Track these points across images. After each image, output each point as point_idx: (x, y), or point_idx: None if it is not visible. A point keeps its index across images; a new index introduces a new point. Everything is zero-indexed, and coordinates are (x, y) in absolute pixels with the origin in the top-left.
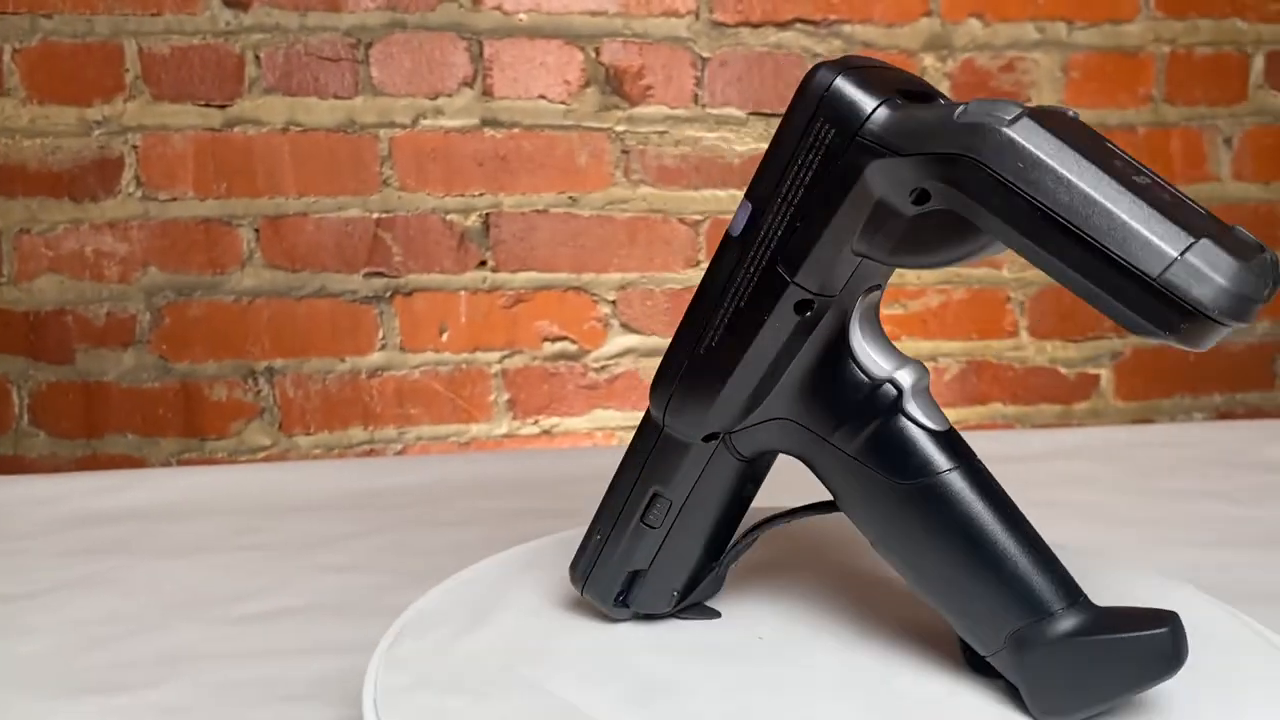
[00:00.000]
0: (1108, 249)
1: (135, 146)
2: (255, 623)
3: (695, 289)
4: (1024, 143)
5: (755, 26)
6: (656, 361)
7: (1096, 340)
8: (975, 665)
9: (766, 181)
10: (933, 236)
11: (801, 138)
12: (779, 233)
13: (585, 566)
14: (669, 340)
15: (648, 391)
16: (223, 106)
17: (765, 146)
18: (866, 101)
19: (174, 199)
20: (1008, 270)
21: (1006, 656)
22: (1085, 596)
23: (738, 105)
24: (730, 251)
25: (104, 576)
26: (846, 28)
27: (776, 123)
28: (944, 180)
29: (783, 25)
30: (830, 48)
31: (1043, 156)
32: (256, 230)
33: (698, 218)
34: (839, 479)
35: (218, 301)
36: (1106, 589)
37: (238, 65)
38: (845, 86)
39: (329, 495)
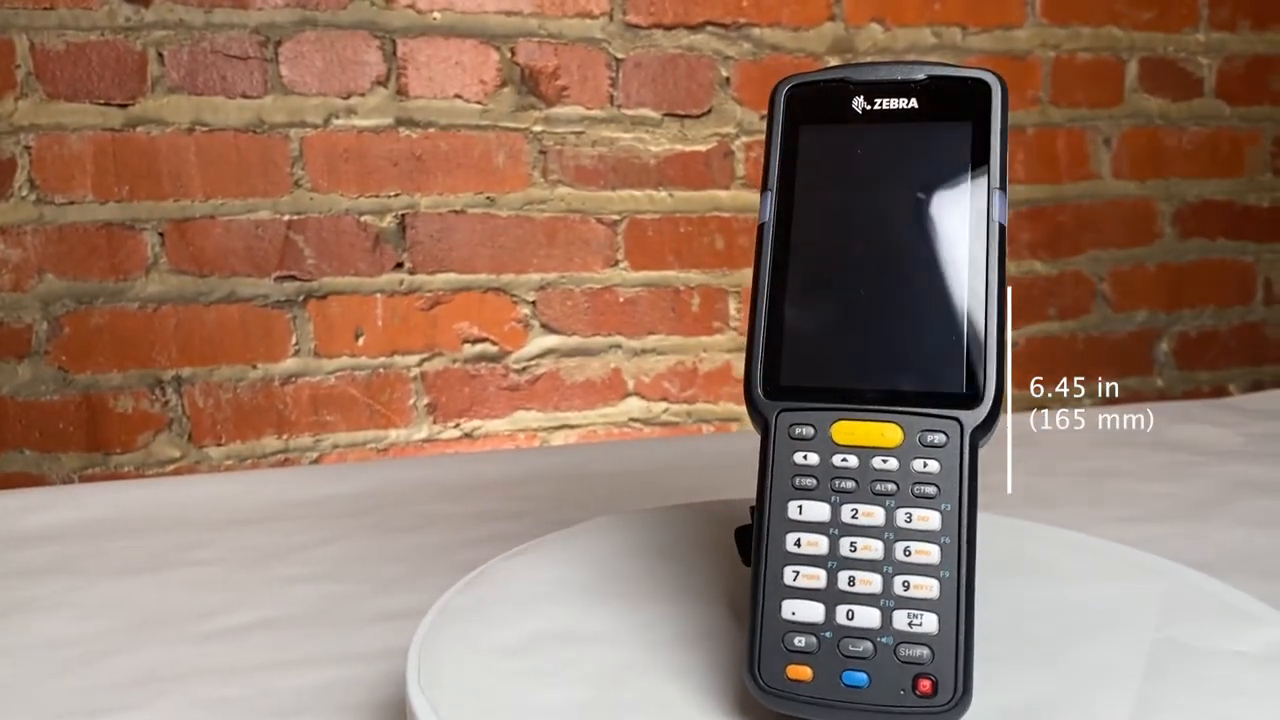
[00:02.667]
0: None
1: (28, 147)
2: (230, 638)
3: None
4: None
5: (668, 29)
6: (578, 362)
7: None
8: None
9: (1002, 171)
10: None
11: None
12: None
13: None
14: (590, 339)
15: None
16: (124, 106)
17: (680, 147)
18: None
19: (71, 202)
20: None
21: None
22: None
23: (652, 106)
24: (1002, 239)
25: (56, 598)
26: (755, 31)
27: (690, 124)
28: None
29: (694, 28)
30: (740, 50)
31: None
32: (161, 234)
33: (615, 218)
34: None
35: (121, 309)
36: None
37: (139, 63)
38: None
39: (272, 506)
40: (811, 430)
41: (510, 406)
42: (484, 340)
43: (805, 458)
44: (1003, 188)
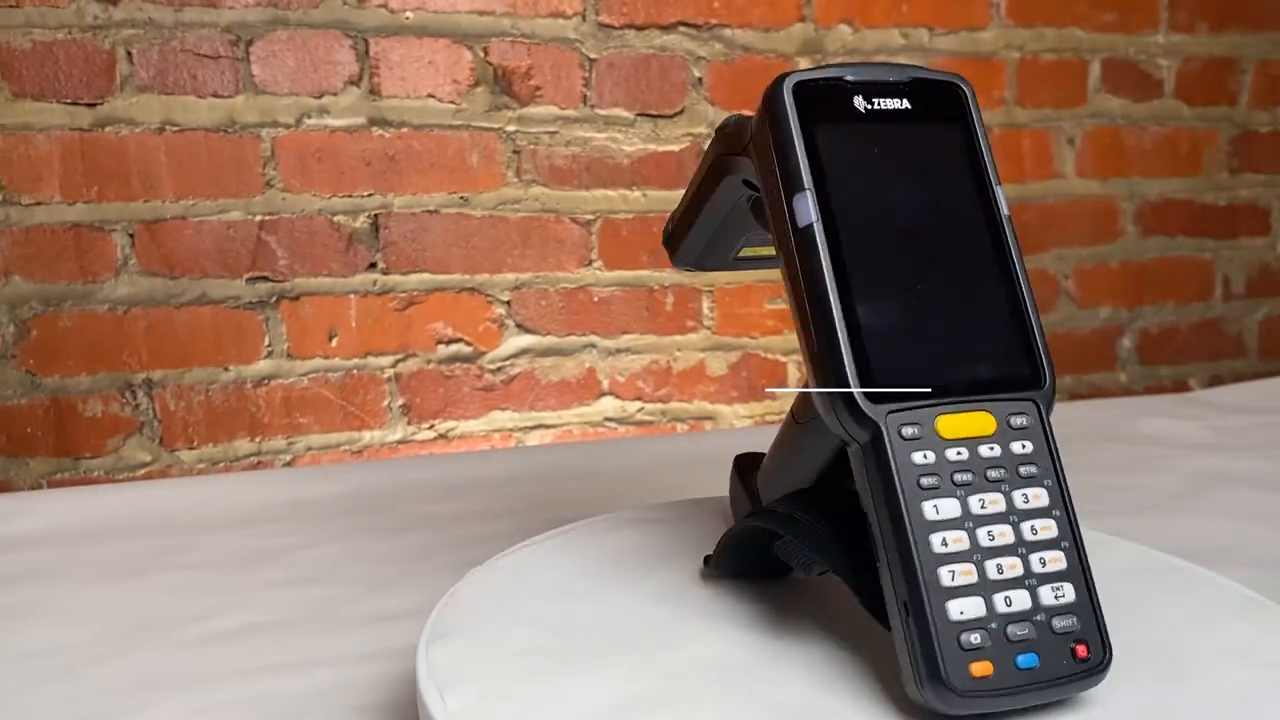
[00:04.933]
0: None
1: None
2: (223, 642)
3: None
4: None
5: (640, 29)
6: (553, 361)
7: None
8: None
9: (994, 167)
10: None
11: None
12: None
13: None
14: (565, 339)
15: (536, 393)
16: (92, 105)
17: (653, 147)
18: None
19: (39, 203)
20: None
21: None
22: None
23: (625, 106)
24: (1012, 229)
25: (38, 605)
26: (727, 31)
27: (663, 124)
28: None
29: (666, 28)
30: (712, 51)
31: None
32: (131, 235)
33: (590, 217)
34: None
35: (90, 312)
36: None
37: (108, 62)
38: None
39: (253, 509)
40: (918, 429)
41: (485, 407)
42: (458, 341)
43: (924, 456)
44: (999, 183)
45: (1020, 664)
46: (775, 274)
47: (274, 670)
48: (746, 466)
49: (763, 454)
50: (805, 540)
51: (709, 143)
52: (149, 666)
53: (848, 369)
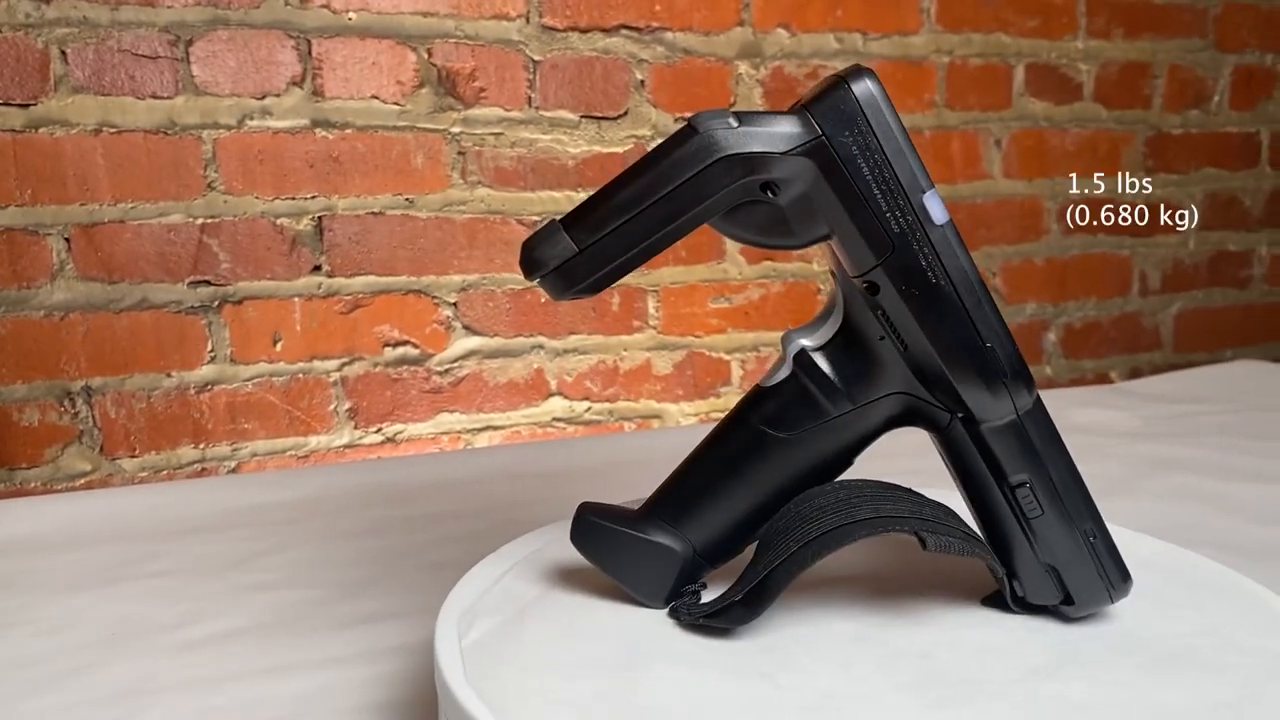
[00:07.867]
0: None
1: None
2: (205, 648)
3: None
4: None
5: (583, 31)
6: (501, 363)
7: None
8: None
9: None
10: None
11: None
12: None
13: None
14: (512, 340)
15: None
16: (25, 106)
17: (598, 149)
18: None
19: None
20: (817, 264)
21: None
22: None
23: (570, 108)
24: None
25: (9, 616)
26: (668, 35)
27: (607, 126)
28: None
29: (609, 31)
30: (654, 54)
31: None
32: (67, 240)
33: (536, 218)
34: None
35: (25, 318)
36: None
37: (41, 61)
38: None
39: (215, 515)
40: None
41: (433, 409)
42: (405, 343)
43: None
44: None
45: None
46: (720, 273)
47: (265, 674)
48: (612, 511)
49: (608, 504)
50: (964, 539)
51: (681, 149)
52: (137, 673)
53: (1016, 360)
